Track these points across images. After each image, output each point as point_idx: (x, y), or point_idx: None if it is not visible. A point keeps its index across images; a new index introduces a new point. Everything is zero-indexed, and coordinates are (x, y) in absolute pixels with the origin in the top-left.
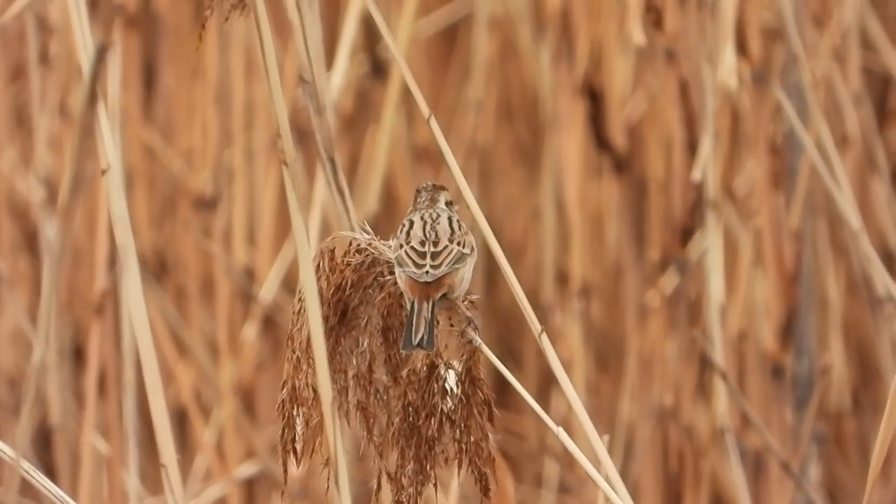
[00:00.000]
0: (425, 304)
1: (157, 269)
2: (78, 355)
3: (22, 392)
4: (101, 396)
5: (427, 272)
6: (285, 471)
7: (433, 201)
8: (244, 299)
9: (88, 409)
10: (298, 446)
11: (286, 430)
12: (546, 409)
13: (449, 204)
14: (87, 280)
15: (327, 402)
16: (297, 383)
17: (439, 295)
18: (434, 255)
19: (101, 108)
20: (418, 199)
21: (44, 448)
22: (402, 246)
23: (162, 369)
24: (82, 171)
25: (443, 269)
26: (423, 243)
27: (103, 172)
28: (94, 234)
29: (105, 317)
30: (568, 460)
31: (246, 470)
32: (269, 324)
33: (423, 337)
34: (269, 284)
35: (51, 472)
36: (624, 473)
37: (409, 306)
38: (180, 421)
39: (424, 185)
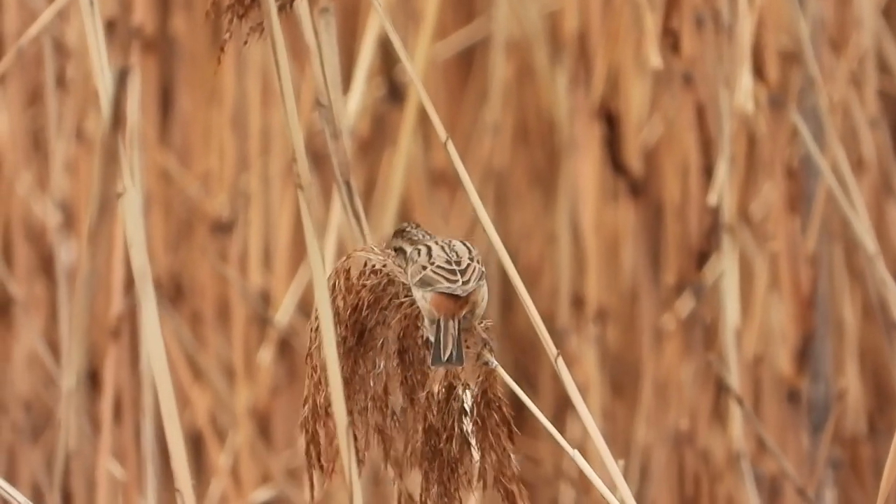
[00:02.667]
0: (451, 322)
1: (173, 293)
2: (93, 380)
3: (38, 417)
4: (117, 421)
5: (461, 286)
6: (311, 486)
7: (428, 234)
8: (260, 323)
9: (104, 434)
10: (324, 463)
11: (311, 447)
12: (562, 433)
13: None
14: (104, 304)
15: (342, 428)
16: (318, 400)
17: (464, 312)
18: (462, 272)
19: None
20: (411, 235)
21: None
22: (425, 268)
23: (177, 393)
24: (108, 195)
25: (472, 284)
26: (448, 262)
27: (119, 196)
28: (111, 258)
29: (121, 341)
30: (584, 485)
31: (261, 495)
32: (285, 348)
33: (451, 353)
34: (285, 308)
35: (66, 498)
36: (639, 498)
37: (431, 326)
38: (196, 445)
39: (406, 224)
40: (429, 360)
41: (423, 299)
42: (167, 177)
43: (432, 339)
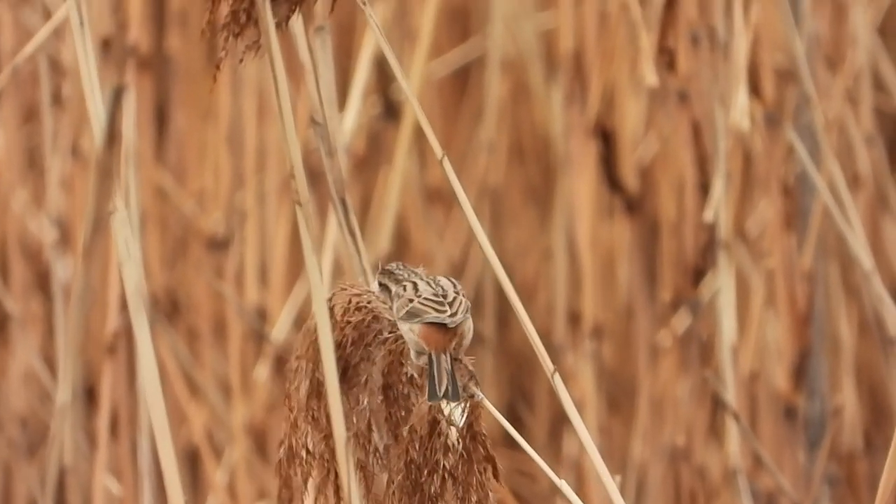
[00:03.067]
0: (443, 356)
1: (169, 310)
2: (90, 396)
3: (34, 433)
4: (114, 437)
5: (450, 315)
6: None
7: (413, 272)
8: (256, 340)
9: (101, 450)
10: None
11: (283, 491)
12: (558, 449)
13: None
14: (100, 320)
15: (341, 443)
16: (294, 443)
17: (453, 345)
18: (450, 304)
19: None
20: (397, 275)
21: (56, 489)
22: (411, 300)
23: (174, 410)
24: (102, 213)
25: (460, 316)
26: (436, 295)
27: (111, 214)
28: (107, 275)
29: (118, 357)
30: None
31: None
32: (282, 364)
33: (448, 388)
34: (281, 325)
35: None
36: None
37: (419, 359)
38: (192, 462)
39: (392, 265)
40: (424, 395)
41: (410, 332)
42: (163, 194)
43: (418, 373)
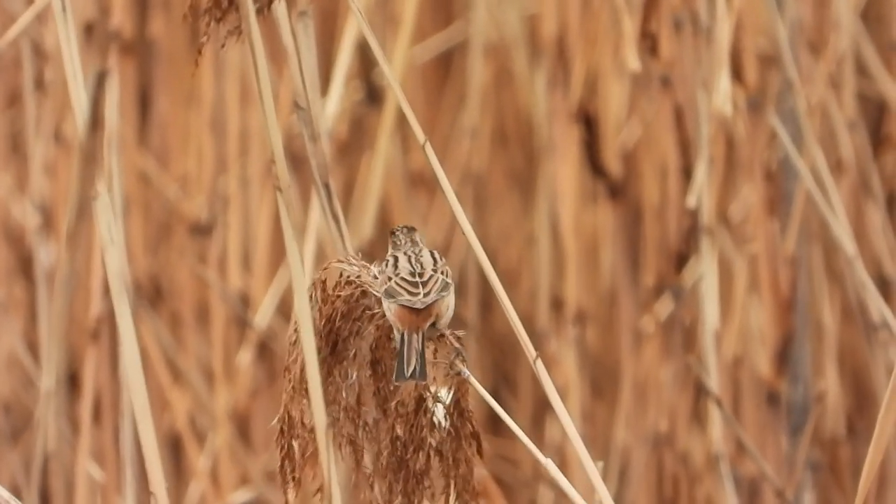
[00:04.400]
0: (415, 336)
1: (152, 295)
2: (73, 381)
3: (17, 418)
4: (97, 423)
5: (420, 299)
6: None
7: (412, 242)
8: (239, 325)
9: (83, 436)
10: (298, 476)
11: (285, 462)
12: (541, 435)
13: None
14: (83, 306)
15: (321, 430)
16: (294, 413)
17: (427, 324)
18: (423, 284)
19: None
20: (397, 240)
21: (39, 475)
22: (390, 279)
23: (157, 395)
24: (86, 197)
25: (432, 296)
26: (412, 274)
27: (93, 199)
28: (91, 260)
29: (101, 343)
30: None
31: (240, 497)
32: (265, 350)
33: (415, 368)
34: (265, 310)
35: (45, 499)
36: (618, 500)
37: (398, 338)
38: (175, 448)
39: (399, 227)
40: (393, 377)
41: (388, 310)
42: (146, 179)
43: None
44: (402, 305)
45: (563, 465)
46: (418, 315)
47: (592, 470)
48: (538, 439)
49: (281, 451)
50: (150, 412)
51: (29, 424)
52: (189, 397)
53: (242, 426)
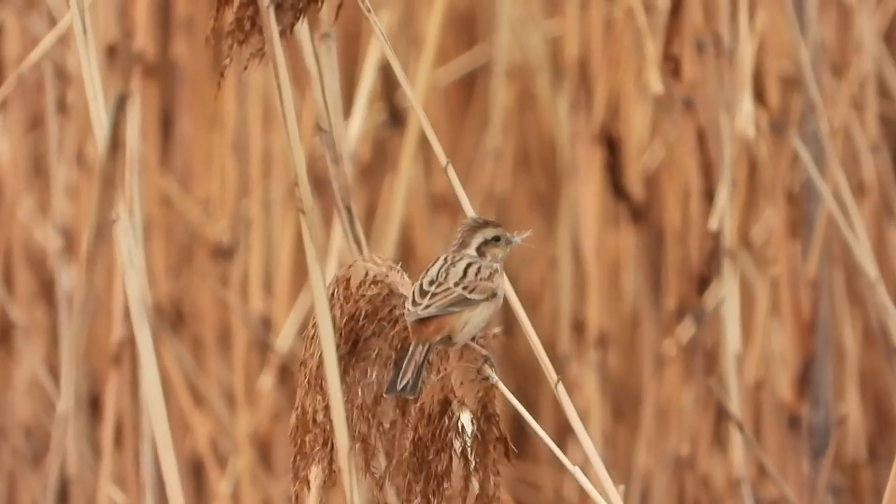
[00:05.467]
0: (420, 348)
1: (174, 319)
2: (94, 405)
3: (39, 442)
4: (118, 447)
5: (415, 311)
6: (296, 499)
7: (463, 245)
8: (261, 349)
9: (105, 460)
10: (311, 474)
11: (297, 458)
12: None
13: (488, 242)
14: (105, 329)
15: (344, 453)
16: (307, 409)
17: (437, 338)
18: (431, 295)
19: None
20: (455, 237)
21: (61, 499)
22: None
23: (178, 419)
24: (105, 220)
25: (430, 311)
26: (430, 283)
27: (113, 222)
28: (112, 283)
29: (122, 366)
30: None
31: None
32: (286, 373)
33: (408, 382)
34: (286, 334)
35: None
36: None
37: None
38: (196, 471)
39: (470, 220)
40: (384, 388)
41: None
42: (168, 201)
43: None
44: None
45: (584, 490)
46: (424, 327)
47: (614, 493)
48: (560, 463)
49: (295, 445)
50: (172, 436)
51: (49, 448)
52: (210, 421)
53: (264, 450)
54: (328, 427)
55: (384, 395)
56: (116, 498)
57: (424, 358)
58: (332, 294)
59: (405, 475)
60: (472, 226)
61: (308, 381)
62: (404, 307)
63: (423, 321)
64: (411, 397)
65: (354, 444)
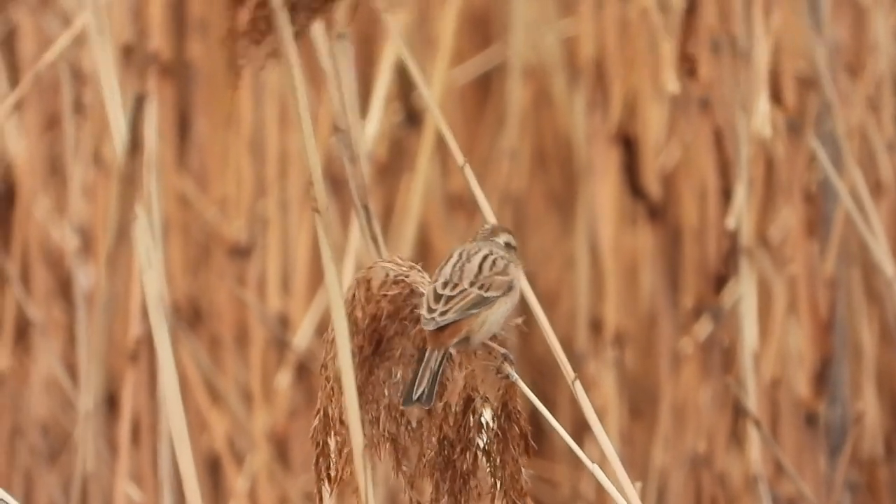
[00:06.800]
0: (435, 354)
1: (191, 317)
2: (112, 403)
3: (56, 440)
4: (135, 444)
5: (433, 319)
6: (320, 499)
7: (487, 238)
8: (278, 347)
9: (122, 457)
10: (332, 473)
11: (320, 459)
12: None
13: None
14: (122, 328)
15: (359, 452)
16: (331, 412)
17: (455, 341)
18: (447, 300)
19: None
20: (475, 236)
21: (78, 496)
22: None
23: (195, 417)
24: (125, 220)
25: (449, 317)
26: (445, 284)
27: (132, 221)
28: (130, 282)
29: (139, 365)
30: None
31: None
32: (303, 372)
33: (423, 392)
34: (304, 332)
35: None
36: None
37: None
38: (214, 469)
39: (490, 226)
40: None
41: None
42: (185, 201)
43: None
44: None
45: (601, 486)
46: (442, 332)
47: (631, 491)
48: (577, 461)
49: (316, 447)
50: (189, 434)
51: (67, 446)
52: (228, 419)
53: (281, 448)
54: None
55: (401, 407)
56: (134, 495)
57: (440, 365)
58: (353, 296)
59: (432, 474)
60: (492, 231)
61: (330, 386)
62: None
63: (440, 329)
64: (427, 407)
65: (385, 444)
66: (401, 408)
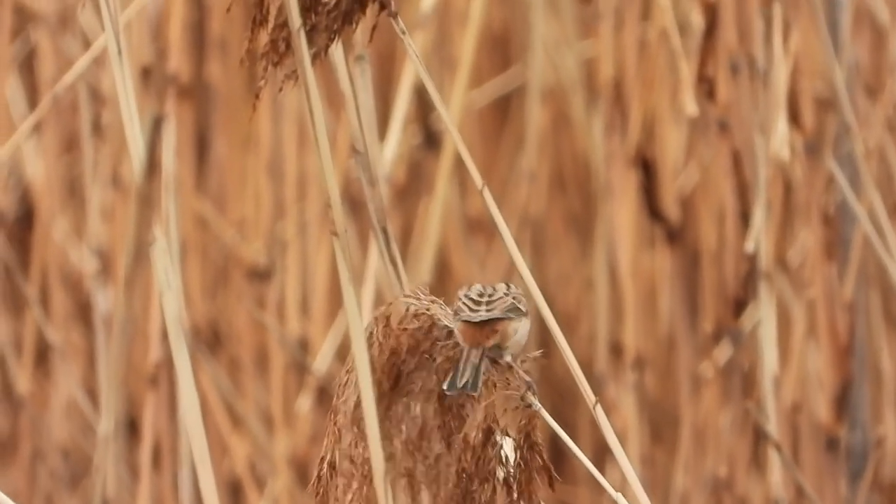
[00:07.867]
0: (475, 351)
1: (211, 340)
2: (132, 427)
3: (76, 464)
4: (156, 469)
5: (481, 312)
6: None
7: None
8: (298, 370)
9: (143, 482)
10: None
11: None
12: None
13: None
14: (141, 351)
15: (379, 476)
16: (336, 457)
17: (491, 343)
18: (489, 303)
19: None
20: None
21: None
22: (460, 300)
23: (216, 441)
24: (143, 242)
25: (495, 313)
26: (480, 294)
27: (150, 243)
28: (149, 305)
29: (159, 388)
30: None
31: None
32: (324, 395)
33: (468, 380)
34: (324, 355)
35: None
36: None
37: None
38: (235, 493)
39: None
40: (444, 386)
41: (455, 330)
42: (203, 223)
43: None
44: (464, 321)
45: None
46: (480, 331)
47: None
48: (597, 484)
49: (317, 497)
50: (210, 458)
51: (87, 470)
52: (248, 443)
53: (302, 472)
54: (366, 467)
55: (446, 393)
56: None
57: (481, 360)
58: (371, 333)
59: None
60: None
61: (339, 430)
62: (449, 337)
63: (477, 325)
64: (474, 393)
65: (399, 480)
66: (446, 393)
